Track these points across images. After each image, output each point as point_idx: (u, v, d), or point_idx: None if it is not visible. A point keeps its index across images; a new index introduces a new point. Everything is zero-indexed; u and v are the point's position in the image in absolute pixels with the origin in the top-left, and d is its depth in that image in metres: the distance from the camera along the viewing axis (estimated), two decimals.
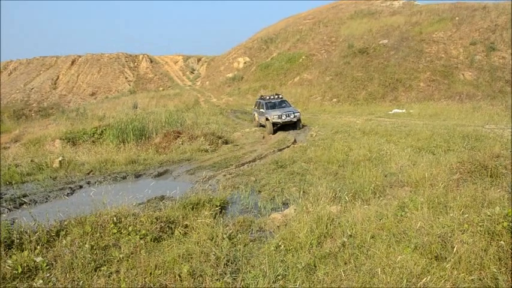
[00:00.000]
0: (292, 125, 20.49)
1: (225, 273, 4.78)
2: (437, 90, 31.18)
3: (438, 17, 40.09)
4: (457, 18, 38.84)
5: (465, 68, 32.67)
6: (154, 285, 4.57)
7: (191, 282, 4.57)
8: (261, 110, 21.69)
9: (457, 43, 35.47)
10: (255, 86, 42.30)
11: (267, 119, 20.47)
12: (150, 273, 4.90)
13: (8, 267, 5.19)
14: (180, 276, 4.72)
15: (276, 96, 22.52)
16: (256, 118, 22.74)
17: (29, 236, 6.08)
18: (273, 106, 21.34)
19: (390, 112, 26.21)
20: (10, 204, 9.39)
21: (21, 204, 9.19)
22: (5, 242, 5.93)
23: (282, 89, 37.37)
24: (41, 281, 4.85)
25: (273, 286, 4.50)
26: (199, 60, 74.32)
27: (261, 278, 4.61)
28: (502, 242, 4.82)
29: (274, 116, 20.08)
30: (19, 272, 5.14)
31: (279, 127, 20.26)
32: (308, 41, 47.79)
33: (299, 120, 20.69)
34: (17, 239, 6.03)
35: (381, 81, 33.36)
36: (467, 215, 5.66)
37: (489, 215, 5.51)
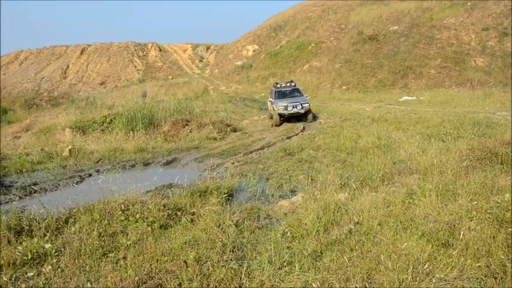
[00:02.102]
0: (301, 117, 18.93)
1: (231, 260, 4.79)
2: (448, 77, 30.77)
3: (450, 2, 39.34)
4: (469, 3, 38.10)
5: (477, 55, 32.15)
6: (160, 272, 4.61)
7: (197, 268, 4.60)
8: (270, 99, 20.29)
9: (468, 29, 34.86)
10: (264, 74, 42.11)
11: (273, 109, 19.23)
12: (157, 260, 4.94)
13: (18, 254, 5.27)
14: (186, 263, 4.75)
15: (288, 84, 20.92)
16: (269, 107, 20.88)
17: (39, 223, 6.17)
18: (283, 95, 19.84)
19: (400, 99, 25.97)
20: (21, 192, 9.53)
21: (31, 192, 9.30)
22: (15, 228, 6.02)
23: (291, 76, 37.09)
24: (50, 267, 4.91)
25: (279, 272, 4.50)
26: (208, 48, 74.19)
27: (267, 264, 4.61)
28: (510, 229, 4.77)
29: (280, 106, 18.68)
30: (29, 258, 5.21)
31: (285, 118, 18.90)
32: (317, 28, 47.35)
33: (308, 111, 18.97)
34: (27, 226, 6.11)
35: (390, 68, 32.99)
36: (476, 202, 5.61)
37: (498, 202, 5.46)
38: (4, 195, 9.34)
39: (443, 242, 4.80)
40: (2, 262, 5.12)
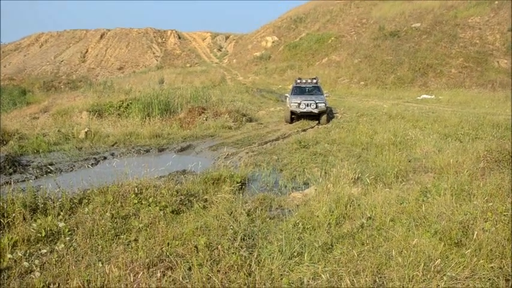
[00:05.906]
0: (315, 117, 17.18)
1: (241, 247, 4.80)
2: (469, 77, 30.27)
3: (475, 1, 38.58)
4: (496, 2, 37.26)
5: (501, 55, 31.53)
6: (171, 255, 4.64)
7: (207, 253, 4.62)
8: (286, 94, 18.91)
9: (493, 28, 34.17)
10: (282, 66, 41.97)
11: (288, 105, 17.73)
12: (168, 244, 4.98)
13: (32, 231, 5.36)
14: (196, 248, 4.78)
15: (310, 81, 19.18)
16: (287, 102, 18.39)
17: (53, 202, 6.25)
18: (300, 92, 18.21)
19: (418, 97, 25.68)
20: (37, 172, 9.66)
21: (47, 172, 9.42)
22: (31, 206, 6.11)
23: (309, 70, 36.97)
24: (62, 245, 4.98)
25: (289, 262, 4.51)
26: (227, 37, 74.13)
27: (277, 253, 4.62)
28: None
29: (293, 103, 17.13)
30: (43, 235, 5.30)
31: (298, 116, 17.47)
32: (338, 21, 46.96)
33: (323, 112, 17.05)
34: (41, 204, 6.21)
35: (410, 66, 32.59)
36: (491, 204, 5.54)
37: None
38: (21, 173, 9.50)
39: (456, 241, 4.75)
40: (17, 238, 5.22)
